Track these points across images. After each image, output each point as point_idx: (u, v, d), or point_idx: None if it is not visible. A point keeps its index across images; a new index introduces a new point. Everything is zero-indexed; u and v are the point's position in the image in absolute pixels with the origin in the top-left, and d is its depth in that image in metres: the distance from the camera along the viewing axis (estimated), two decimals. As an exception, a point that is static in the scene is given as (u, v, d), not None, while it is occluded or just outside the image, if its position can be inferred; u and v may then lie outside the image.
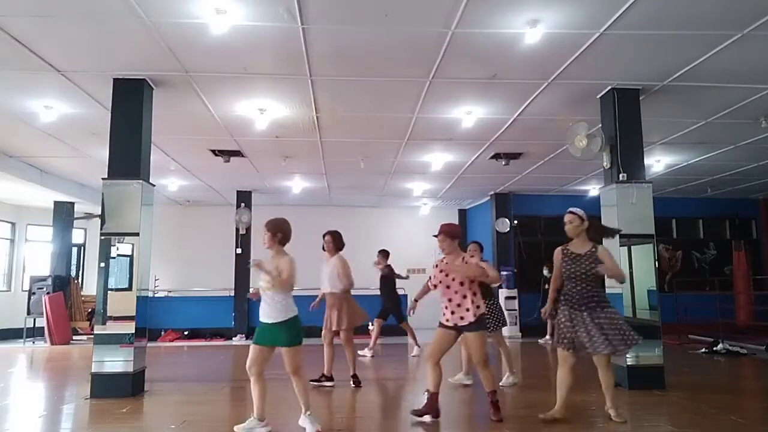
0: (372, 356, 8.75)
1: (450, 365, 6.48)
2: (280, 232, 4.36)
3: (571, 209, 4.77)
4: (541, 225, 13.04)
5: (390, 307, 9.10)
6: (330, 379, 6.27)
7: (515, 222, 12.60)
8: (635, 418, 4.98)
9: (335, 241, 6.40)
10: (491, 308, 6.20)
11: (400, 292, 9.57)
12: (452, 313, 4.57)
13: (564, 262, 4.64)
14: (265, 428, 4.23)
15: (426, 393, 4.75)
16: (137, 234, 5.94)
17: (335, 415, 5.07)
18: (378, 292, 9.29)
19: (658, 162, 9.52)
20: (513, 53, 5.39)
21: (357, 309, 6.40)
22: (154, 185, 6.43)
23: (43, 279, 11.65)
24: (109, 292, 5.89)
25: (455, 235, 4.78)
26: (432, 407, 4.69)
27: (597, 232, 4.77)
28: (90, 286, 12.71)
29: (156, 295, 12.53)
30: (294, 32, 4.97)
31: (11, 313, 12.00)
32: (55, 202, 12.14)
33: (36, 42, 5.18)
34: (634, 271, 6.27)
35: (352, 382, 6.26)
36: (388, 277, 9.16)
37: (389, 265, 9.20)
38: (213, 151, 9.02)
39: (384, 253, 9.29)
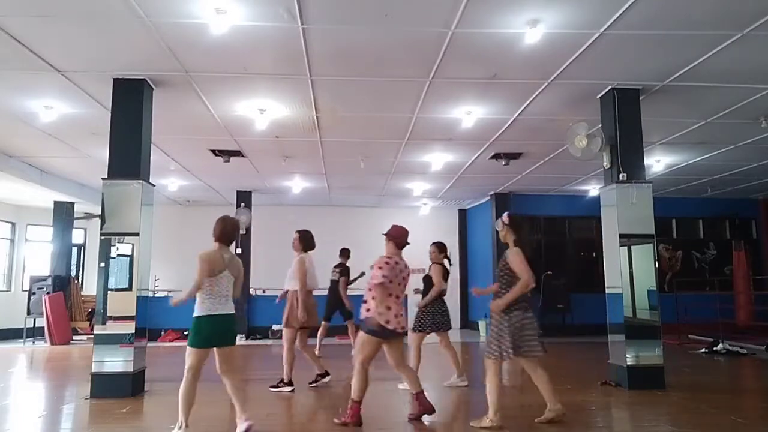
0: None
1: (445, 370, 6.48)
2: (214, 229, 4.33)
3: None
4: (541, 225, 13.04)
5: (335, 307, 9.01)
6: (324, 375, 6.31)
7: (515, 222, 12.58)
8: (635, 418, 4.99)
9: (300, 240, 6.34)
10: (426, 310, 6.23)
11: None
12: None
13: None
14: (246, 423, 4.19)
15: (412, 396, 4.76)
16: (137, 234, 5.94)
17: (332, 416, 5.06)
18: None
19: (658, 162, 9.51)
20: (513, 53, 5.39)
21: (308, 310, 6.15)
22: (154, 185, 6.43)
23: (43, 279, 11.64)
24: (109, 292, 5.89)
25: (389, 238, 4.82)
26: (423, 405, 4.69)
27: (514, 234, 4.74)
28: (90, 286, 12.71)
29: (156, 295, 12.52)
30: (294, 32, 4.97)
31: (11, 313, 11.99)
32: (55, 202, 12.14)
33: (36, 42, 5.18)
34: (634, 271, 6.26)
35: (277, 385, 6.10)
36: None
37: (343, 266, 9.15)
38: (213, 151, 9.02)
39: (344, 252, 9.29)
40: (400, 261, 4.74)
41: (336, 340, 10.60)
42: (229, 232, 4.32)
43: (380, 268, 4.59)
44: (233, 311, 4.23)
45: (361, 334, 4.64)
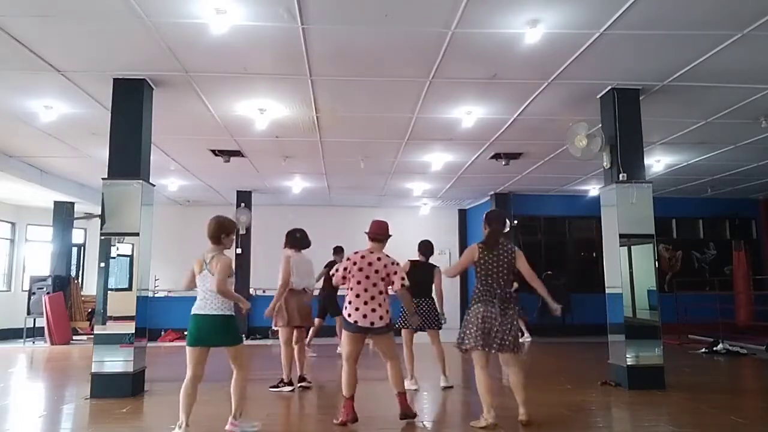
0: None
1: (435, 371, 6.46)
2: None
3: None
4: (541, 225, 13.05)
5: (326, 304, 9.01)
6: (300, 380, 6.24)
7: (515, 222, 12.60)
8: (635, 418, 4.99)
9: (285, 239, 6.39)
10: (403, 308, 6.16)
11: None
12: None
13: None
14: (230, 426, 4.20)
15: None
16: (137, 234, 5.94)
17: (332, 415, 5.07)
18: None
19: (658, 162, 9.51)
20: (513, 53, 5.39)
21: (291, 309, 6.08)
22: (154, 185, 6.43)
23: (43, 279, 11.64)
24: (109, 292, 5.89)
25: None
26: (401, 407, 4.60)
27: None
28: (90, 286, 12.70)
29: (156, 295, 12.52)
30: (294, 32, 4.97)
31: (11, 313, 11.99)
32: (55, 202, 12.14)
33: (36, 42, 5.17)
34: (634, 271, 6.26)
35: (277, 385, 6.08)
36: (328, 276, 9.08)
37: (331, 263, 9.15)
38: (213, 151, 9.01)
39: (337, 250, 9.26)
40: (367, 256, 4.65)
41: (337, 340, 10.59)
42: (209, 232, 4.31)
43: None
44: (216, 312, 4.10)
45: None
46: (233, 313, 4.22)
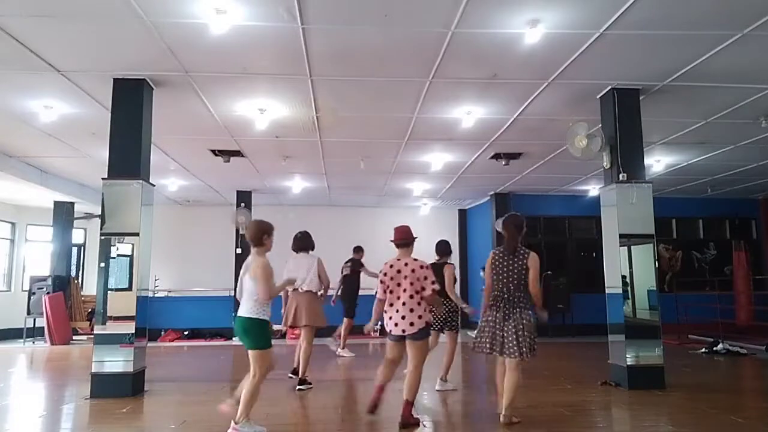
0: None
1: (452, 371, 6.44)
2: None
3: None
4: (541, 225, 13.05)
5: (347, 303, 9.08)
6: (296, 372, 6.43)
7: (515, 222, 12.56)
8: (635, 418, 4.99)
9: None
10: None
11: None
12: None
13: None
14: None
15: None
16: (137, 234, 5.94)
17: (333, 415, 5.07)
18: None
19: (658, 162, 9.51)
20: (513, 53, 5.39)
21: (285, 310, 6.39)
22: (154, 185, 6.44)
23: (43, 279, 11.64)
24: (109, 292, 5.89)
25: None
26: (402, 416, 4.54)
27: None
28: (90, 286, 12.71)
29: (156, 295, 12.53)
30: (294, 32, 4.97)
31: (11, 313, 11.99)
32: (55, 202, 12.13)
33: (36, 42, 5.18)
34: (634, 271, 6.27)
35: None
36: (353, 275, 9.15)
37: (353, 261, 9.23)
38: (213, 151, 9.02)
39: (357, 249, 9.33)
40: (395, 264, 4.67)
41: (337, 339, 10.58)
42: (249, 236, 4.49)
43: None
44: (244, 315, 4.23)
45: None
46: (264, 318, 4.25)
